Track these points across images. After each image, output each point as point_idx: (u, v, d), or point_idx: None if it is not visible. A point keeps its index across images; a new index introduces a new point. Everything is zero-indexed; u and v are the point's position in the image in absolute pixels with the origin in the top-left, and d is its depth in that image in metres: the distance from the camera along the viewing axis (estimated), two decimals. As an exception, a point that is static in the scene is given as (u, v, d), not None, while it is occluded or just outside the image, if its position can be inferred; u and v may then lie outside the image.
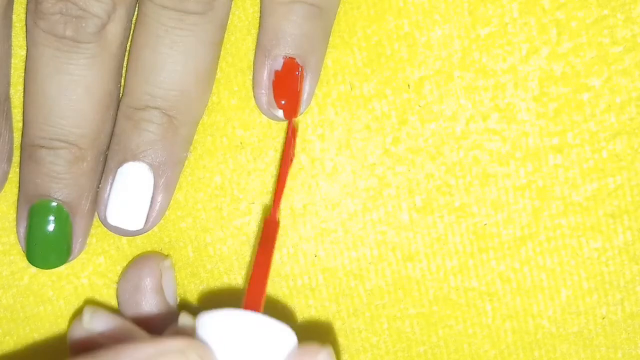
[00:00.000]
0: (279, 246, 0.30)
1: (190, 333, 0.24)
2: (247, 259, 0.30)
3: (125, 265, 0.30)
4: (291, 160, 0.28)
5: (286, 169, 0.27)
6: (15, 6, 0.28)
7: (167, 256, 0.30)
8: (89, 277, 0.30)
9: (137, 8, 0.28)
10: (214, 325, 0.23)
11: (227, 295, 0.30)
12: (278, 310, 0.30)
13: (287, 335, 0.23)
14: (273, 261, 0.30)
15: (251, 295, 0.24)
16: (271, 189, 0.29)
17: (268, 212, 0.30)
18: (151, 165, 0.27)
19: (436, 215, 0.30)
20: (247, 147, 0.29)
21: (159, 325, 0.28)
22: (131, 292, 0.29)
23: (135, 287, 0.29)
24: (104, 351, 0.21)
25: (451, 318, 0.30)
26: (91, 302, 0.30)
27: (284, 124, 0.29)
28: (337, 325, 0.30)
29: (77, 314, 0.29)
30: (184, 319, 0.24)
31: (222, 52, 0.29)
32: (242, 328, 0.23)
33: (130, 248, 0.30)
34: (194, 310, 0.31)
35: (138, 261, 0.29)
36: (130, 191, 0.28)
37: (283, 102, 0.27)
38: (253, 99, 0.29)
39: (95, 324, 0.27)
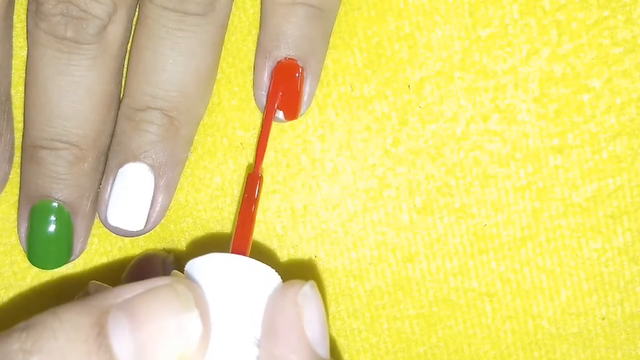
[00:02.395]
0: (279, 247, 0.30)
1: None
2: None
3: (127, 265, 0.30)
4: (273, 115, 0.28)
5: (269, 124, 0.27)
6: (16, 7, 0.28)
7: (169, 253, 0.30)
8: (90, 277, 0.30)
9: (137, 9, 0.28)
10: (200, 268, 0.23)
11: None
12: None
13: (271, 276, 0.24)
14: (272, 264, 0.30)
15: (237, 240, 0.25)
16: (272, 189, 0.30)
17: (268, 212, 0.30)
18: (152, 166, 0.27)
19: (436, 216, 0.30)
20: (248, 147, 0.29)
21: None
22: None
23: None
24: (95, 294, 0.21)
25: (451, 319, 0.30)
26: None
27: (285, 124, 0.29)
28: (337, 325, 0.30)
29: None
30: (175, 272, 0.25)
31: (222, 53, 0.29)
32: (228, 269, 0.23)
33: (133, 248, 0.30)
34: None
35: (141, 258, 0.29)
36: (131, 192, 0.28)
37: (281, 113, 0.28)
38: (253, 99, 0.29)
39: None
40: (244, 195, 0.26)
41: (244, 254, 0.25)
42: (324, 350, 0.23)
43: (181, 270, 0.24)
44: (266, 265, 0.24)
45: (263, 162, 0.29)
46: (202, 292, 0.23)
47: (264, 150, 0.27)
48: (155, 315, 0.21)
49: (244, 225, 0.26)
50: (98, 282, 0.28)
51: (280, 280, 0.24)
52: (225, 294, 0.23)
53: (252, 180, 0.27)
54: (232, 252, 0.25)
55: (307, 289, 0.23)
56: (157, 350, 0.21)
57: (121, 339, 0.20)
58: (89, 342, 0.20)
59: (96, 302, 0.21)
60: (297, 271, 0.30)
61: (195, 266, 0.23)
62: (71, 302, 0.21)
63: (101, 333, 0.20)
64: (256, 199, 0.26)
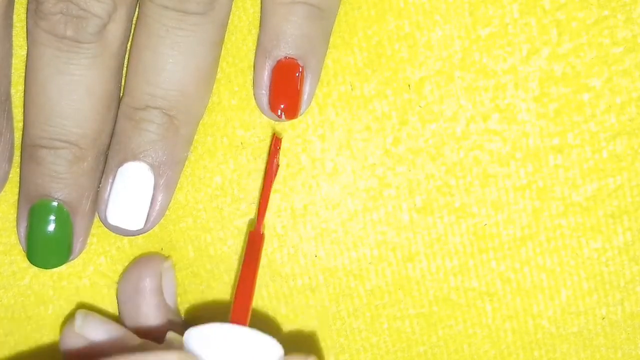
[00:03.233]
0: (279, 246, 0.30)
1: (178, 348, 0.24)
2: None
3: (126, 265, 0.30)
4: (276, 171, 0.28)
5: (270, 181, 0.28)
6: (16, 6, 0.28)
7: (167, 257, 0.30)
8: (90, 277, 0.30)
9: (137, 8, 0.28)
10: (200, 339, 0.23)
11: (227, 296, 0.30)
12: (275, 314, 0.30)
13: (272, 347, 0.23)
14: (273, 263, 0.30)
15: (237, 308, 0.25)
16: (272, 189, 0.29)
17: (268, 212, 0.30)
18: (151, 165, 0.27)
19: (436, 215, 0.30)
20: (248, 147, 0.29)
21: (158, 327, 0.28)
22: (131, 294, 0.29)
23: (135, 289, 0.29)
24: None
25: (451, 318, 0.30)
26: (88, 305, 0.30)
27: (285, 124, 0.29)
28: (337, 326, 0.30)
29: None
30: (170, 335, 0.24)
31: (222, 52, 0.29)
32: (228, 341, 0.23)
33: (131, 248, 0.30)
34: (193, 309, 0.31)
35: (138, 262, 0.29)
36: (130, 191, 0.28)
37: (282, 105, 0.27)
38: (253, 99, 0.29)
39: (87, 329, 0.27)
40: (244, 257, 0.26)
41: (244, 322, 0.25)
42: None
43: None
44: (267, 336, 0.23)
45: (264, 168, 0.29)
46: None
47: (265, 209, 0.27)
48: None
49: (244, 291, 0.25)
50: (85, 310, 0.28)
51: (282, 352, 0.24)
52: None
53: (254, 240, 0.26)
54: (231, 321, 0.25)
55: None
56: None
57: None
58: None
59: None
60: (298, 271, 0.30)
61: (194, 336, 0.23)
62: None
63: None
64: (258, 260, 0.26)
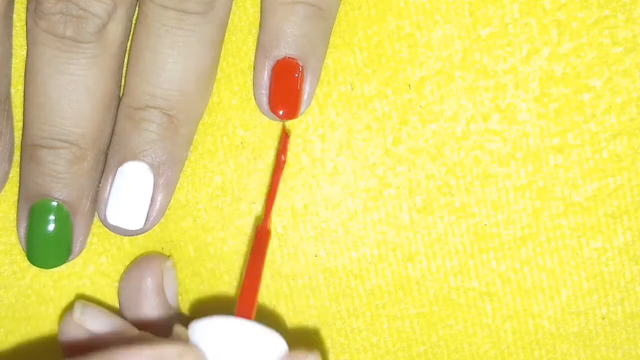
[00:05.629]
0: (279, 246, 0.30)
1: (185, 341, 0.24)
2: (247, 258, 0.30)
3: (127, 265, 0.30)
4: (283, 167, 0.28)
5: (278, 177, 0.27)
6: (15, 6, 0.28)
7: (168, 257, 0.30)
8: (90, 276, 0.30)
9: (137, 8, 0.28)
10: (206, 332, 0.23)
11: (227, 296, 0.30)
12: (274, 315, 0.30)
13: (276, 342, 0.24)
14: (273, 263, 0.30)
15: (243, 302, 0.25)
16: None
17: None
18: (151, 165, 0.27)
19: (436, 215, 0.30)
20: (248, 147, 0.29)
21: (159, 325, 0.28)
22: (132, 293, 0.29)
23: (137, 288, 0.29)
24: (100, 353, 0.21)
25: (451, 318, 0.30)
26: (90, 301, 0.30)
27: (285, 123, 0.29)
28: (337, 325, 0.30)
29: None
30: (178, 329, 0.24)
31: (222, 52, 0.29)
32: (233, 335, 0.23)
33: (132, 248, 0.30)
34: (194, 309, 0.31)
35: (139, 262, 0.29)
36: (130, 191, 0.28)
37: (281, 112, 0.27)
38: (253, 99, 0.29)
39: (86, 319, 0.27)
40: (251, 252, 0.26)
41: (249, 316, 0.25)
42: None
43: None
44: (272, 330, 0.24)
45: (264, 168, 0.29)
46: None
47: (272, 205, 0.27)
48: None
49: (250, 286, 0.25)
50: (84, 301, 0.28)
51: (286, 347, 0.24)
52: None
53: (261, 236, 0.26)
54: (237, 315, 0.25)
55: None
56: None
57: None
58: None
59: None
60: (298, 270, 0.30)
61: (199, 329, 0.23)
62: None
63: None
64: (264, 255, 0.26)
